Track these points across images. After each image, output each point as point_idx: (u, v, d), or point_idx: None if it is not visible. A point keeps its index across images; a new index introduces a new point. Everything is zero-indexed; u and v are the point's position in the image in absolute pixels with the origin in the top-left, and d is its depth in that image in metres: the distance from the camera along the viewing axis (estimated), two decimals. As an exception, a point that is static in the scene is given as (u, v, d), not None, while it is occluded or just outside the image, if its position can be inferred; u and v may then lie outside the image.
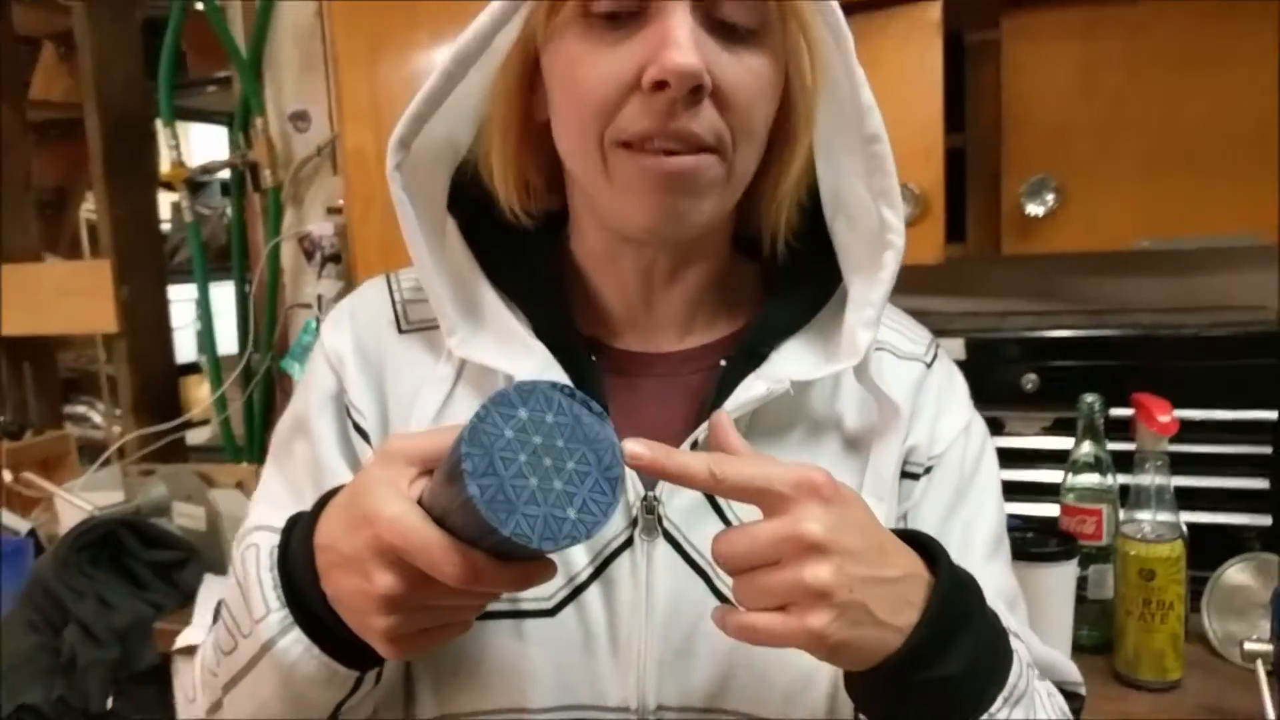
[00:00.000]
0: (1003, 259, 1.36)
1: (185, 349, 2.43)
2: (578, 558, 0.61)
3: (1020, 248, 1.33)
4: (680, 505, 0.61)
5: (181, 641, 1.30)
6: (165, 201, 2.39)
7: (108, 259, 1.95)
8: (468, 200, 0.67)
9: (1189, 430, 1.13)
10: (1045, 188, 1.29)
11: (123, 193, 2.00)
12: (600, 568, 0.61)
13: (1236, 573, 1.10)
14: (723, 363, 0.64)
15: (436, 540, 0.47)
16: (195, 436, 2.27)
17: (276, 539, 0.57)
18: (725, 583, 0.60)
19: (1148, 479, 1.07)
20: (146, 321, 2.03)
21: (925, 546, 0.55)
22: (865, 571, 0.50)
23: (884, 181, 0.60)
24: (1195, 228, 1.27)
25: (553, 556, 0.58)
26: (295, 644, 0.55)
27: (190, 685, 0.70)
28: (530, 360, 0.62)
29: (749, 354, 0.63)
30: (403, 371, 0.66)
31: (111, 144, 1.97)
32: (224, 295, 2.04)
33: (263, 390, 1.89)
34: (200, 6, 1.85)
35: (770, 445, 0.63)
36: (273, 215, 1.82)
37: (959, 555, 0.59)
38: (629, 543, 0.61)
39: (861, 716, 0.58)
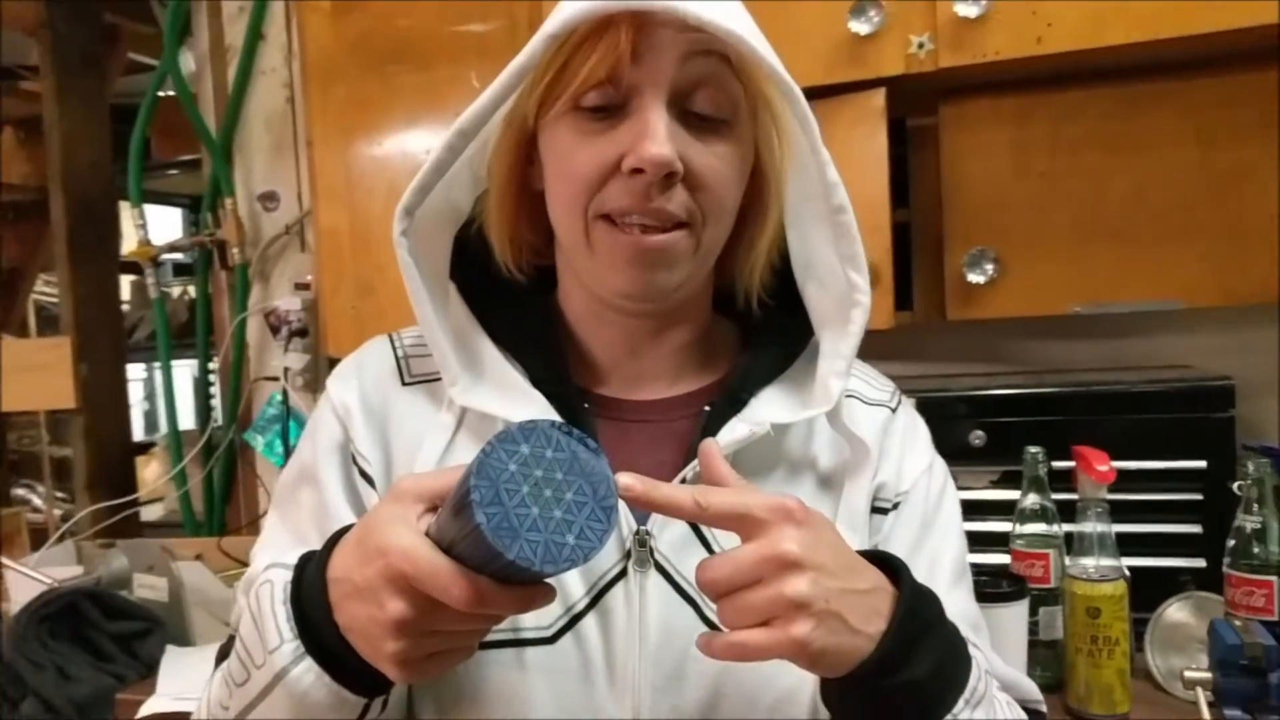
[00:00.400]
0: (948, 325, 1.45)
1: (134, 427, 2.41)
2: (575, 588, 0.65)
3: (964, 313, 1.42)
4: (670, 539, 0.66)
5: (144, 711, 1.28)
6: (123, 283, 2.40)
7: (68, 336, 1.95)
8: (469, 260, 0.73)
9: (1125, 480, 1.20)
10: (985, 258, 1.39)
11: (85, 271, 2.02)
12: (596, 597, 0.65)
13: (1176, 611, 1.17)
14: (706, 408, 0.70)
15: (445, 567, 0.51)
16: (149, 514, 2.24)
17: (289, 575, 0.60)
18: (714, 610, 0.64)
19: (1090, 525, 1.13)
20: (104, 399, 2.03)
21: (888, 563, 0.60)
22: (839, 584, 0.54)
23: (850, 248, 0.67)
24: (1122, 294, 1.38)
25: (551, 584, 0.62)
26: (307, 672, 0.57)
27: None
28: (528, 407, 0.67)
29: (731, 400, 0.69)
30: (407, 420, 0.70)
31: (76, 223, 2.00)
32: (178, 374, 2.05)
33: (225, 463, 1.89)
34: (172, 92, 1.91)
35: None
36: (240, 291, 1.85)
37: (925, 581, 0.65)
38: (623, 574, 0.65)
39: None
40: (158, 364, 3.89)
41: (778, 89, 0.64)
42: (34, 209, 2.70)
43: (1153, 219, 1.36)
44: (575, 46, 0.63)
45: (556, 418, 0.66)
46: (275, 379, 1.82)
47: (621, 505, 0.65)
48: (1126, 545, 1.17)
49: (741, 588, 0.54)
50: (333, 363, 1.84)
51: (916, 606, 0.58)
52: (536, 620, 0.64)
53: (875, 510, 0.72)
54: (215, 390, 1.97)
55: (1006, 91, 1.40)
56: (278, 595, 0.59)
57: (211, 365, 1.95)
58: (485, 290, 0.73)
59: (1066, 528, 1.19)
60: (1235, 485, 1.18)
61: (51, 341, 1.99)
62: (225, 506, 1.91)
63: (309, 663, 0.57)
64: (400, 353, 0.74)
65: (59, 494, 2.93)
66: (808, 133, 0.65)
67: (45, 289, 3.59)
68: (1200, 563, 1.27)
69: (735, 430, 0.67)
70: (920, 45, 1.29)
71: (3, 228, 2.64)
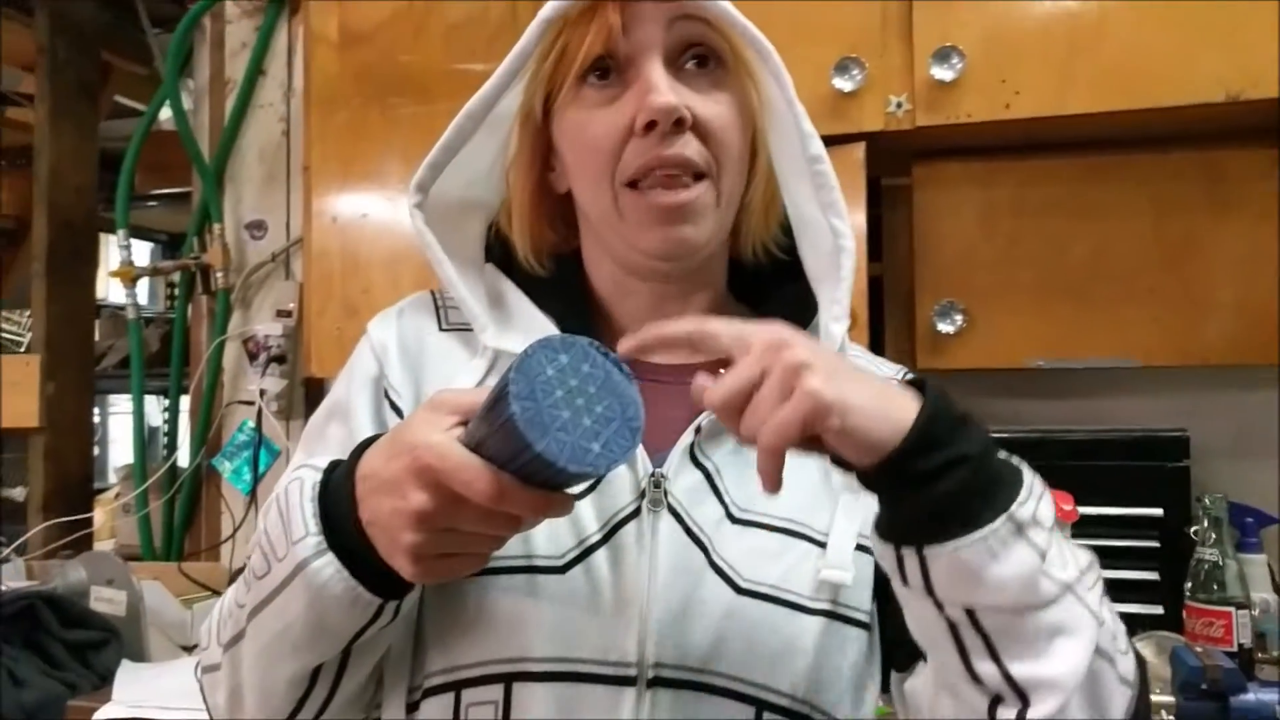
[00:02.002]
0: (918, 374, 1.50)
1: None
2: (589, 522, 0.67)
3: (933, 363, 1.47)
4: (684, 485, 0.68)
5: (101, 715, 1.24)
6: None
7: (38, 354, 1.94)
8: (497, 251, 0.79)
9: (1086, 525, 1.25)
10: (953, 310, 1.45)
11: (60, 292, 2.02)
12: (610, 533, 0.67)
13: (1139, 648, 1.20)
14: (722, 371, 0.73)
15: (471, 460, 0.53)
16: (101, 546, 2.18)
17: (319, 475, 0.62)
18: (722, 556, 0.67)
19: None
20: (67, 421, 2.00)
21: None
22: (841, 363, 0.54)
23: (829, 195, 0.71)
24: (1080, 351, 1.44)
25: (563, 521, 0.64)
26: (327, 565, 0.59)
27: (204, 636, 0.71)
28: None
29: None
30: (441, 361, 0.74)
31: (56, 243, 2.00)
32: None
33: (189, 487, 1.87)
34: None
35: None
36: (220, 316, 1.86)
37: None
38: (636, 512, 0.67)
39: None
40: (113, 404, 3.80)
41: (751, 47, 0.70)
42: (8, 238, 2.70)
43: (1110, 281, 1.43)
44: (570, 31, 0.69)
45: None
46: (249, 403, 1.81)
47: (640, 450, 0.68)
48: (1086, 589, 1.21)
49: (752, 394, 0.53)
50: (310, 386, 1.85)
51: (948, 397, 0.55)
52: (549, 549, 0.65)
53: None
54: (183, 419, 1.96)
55: (976, 157, 1.48)
56: (306, 492, 0.61)
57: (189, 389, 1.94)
58: (514, 267, 0.77)
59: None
60: (1192, 530, 1.23)
61: (20, 359, 1.98)
62: (185, 533, 1.87)
63: (330, 556, 0.58)
64: (440, 302, 0.78)
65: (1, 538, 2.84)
66: (782, 86, 0.70)
67: (5, 325, 3.54)
68: (1158, 609, 1.31)
69: None
70: (898, 105, 1.38)
71: (-26, 254, 2.64)
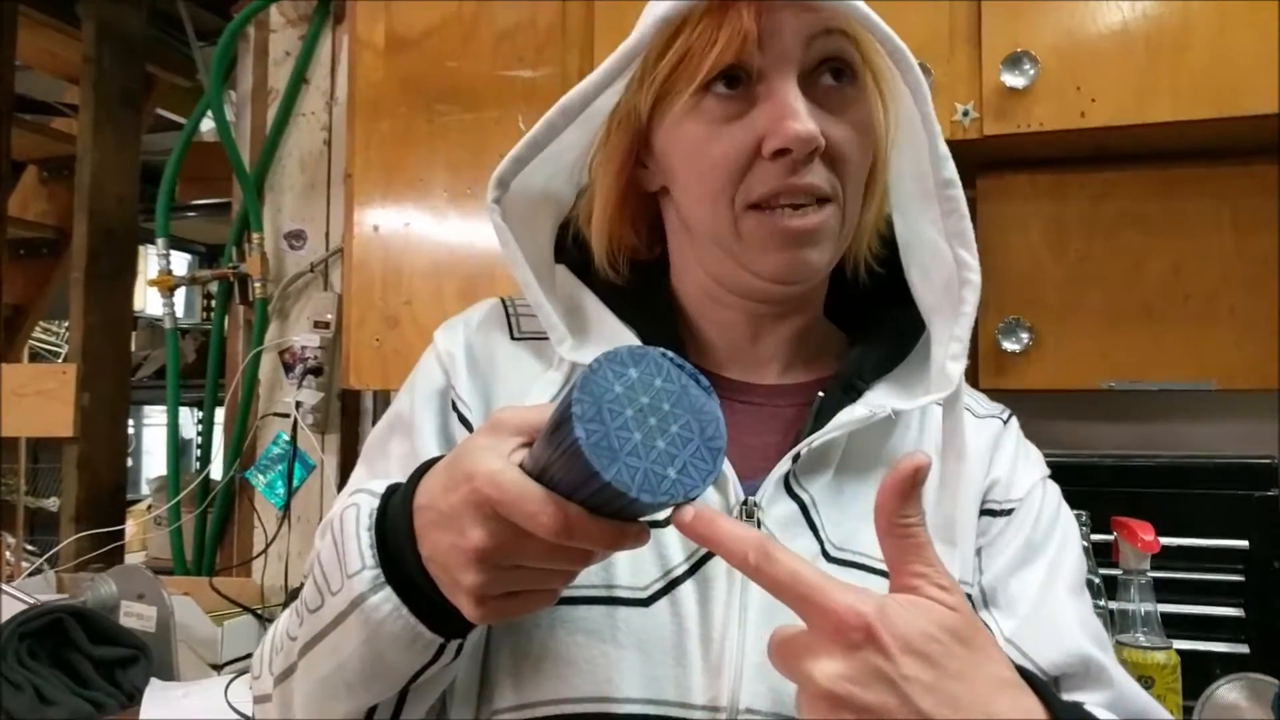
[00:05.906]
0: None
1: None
2: (674, 552, 0.61)
3: (998, 383, 1.40)
4: (778, 515, 0.63)
5: (127, 740, 1.20)
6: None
7: (74, 364, 1.91)
8: (573, 254, 0.73)
9: (1165, 556, 1.17)
10: (1019, 328, 1.38)
11: (98, 301, 1.99)
12: (696, 565, 0.61)
13: (1228, 692, 1.12)
14: (821, 394, 0.67)
15: (534, 491, 0.48)
16: (131, 559, 2.15)
17: (376, 502, 0.57)
18: None
19: (1134, 596, 1.10)
20: (103, 431, 1.97)
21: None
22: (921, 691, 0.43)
23: (959, 224, 0.66)
24: (1154, 373, 1.37)
25: (647, 547, 0.58)
26: (385, 601, 0.54)
27: (256, 663, 0.67)
28: None
29: (846, 387, 0.67)
30: (512, 373, 0.69)
31: (95, 252, 1.98)
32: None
33: (222, 500, 1.83)
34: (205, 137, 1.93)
35: (857, 482, 0.65)
36: (258, 326, 1.82)
37: (1043, 591, 0.61)
38: None
39: None
40: (147, 415, 3.81)
41: (892, 57, 0.64)
42: (47, 248, 2.70)
43: (1187, 301, 1.36)
44: (692, 33, 0.62)
45: None
46: (284, 415, 1.77)
47: (730, 472, 0.62)
48: (1166, 627, 1.13)
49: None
50: (346, 398, 1.80)
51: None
52: (632, 579, 0.60)
53: (985, 512, 0.69)
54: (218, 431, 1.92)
55: (1044, 169, 1.42)
56: (363, 520, 0.56)
57: (223, 400, 1.91)
58: (592, 273, 0.72)
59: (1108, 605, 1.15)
60: (1281, 564, 1.15)
61: (56, 368, 1.95)
62: (217, 547, 1.83)
63: (388, 592, 0.53)
64: (511, 310, 0.73)
65: (29, 546, 2.84)
66: (920, 102, 0.64)
67: (43, 335, 3.56)
68: (1244, 648, 1.22)
69: (854, 412, 0.64)
70: (965, 113, 1.32)
71: (13, 264, 2.63)
